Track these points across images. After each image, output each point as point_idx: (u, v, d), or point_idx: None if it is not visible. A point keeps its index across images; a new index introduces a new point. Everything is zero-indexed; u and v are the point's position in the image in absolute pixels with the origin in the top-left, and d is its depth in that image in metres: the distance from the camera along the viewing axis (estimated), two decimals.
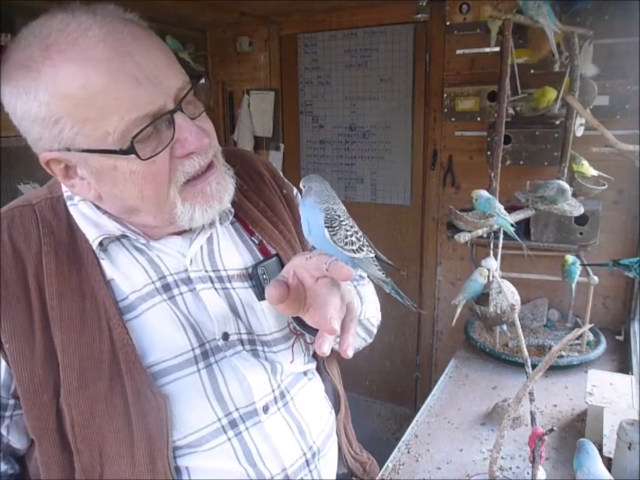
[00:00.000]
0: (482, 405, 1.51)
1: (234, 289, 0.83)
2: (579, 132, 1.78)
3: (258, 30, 2.68)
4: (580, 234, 1.89)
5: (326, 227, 0.69)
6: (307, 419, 0.86)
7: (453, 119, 2.18)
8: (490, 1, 1.92)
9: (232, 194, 0.80)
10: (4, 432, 0.74)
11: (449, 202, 2.30)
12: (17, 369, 0.69)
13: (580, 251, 1.90)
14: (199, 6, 2.25)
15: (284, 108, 2.80)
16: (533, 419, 0.99)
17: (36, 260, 0.72)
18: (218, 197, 0.76)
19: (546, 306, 2.06)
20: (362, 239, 0.72)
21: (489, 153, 2.02)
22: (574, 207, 1.61)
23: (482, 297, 1.63)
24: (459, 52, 2.19)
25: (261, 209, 0.91)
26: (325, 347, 0.64)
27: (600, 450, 1.11)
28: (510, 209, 1.56)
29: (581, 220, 1.86)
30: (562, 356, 1.67)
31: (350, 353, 0.66)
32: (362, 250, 0.71)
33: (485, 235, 1.53)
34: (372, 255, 0.73)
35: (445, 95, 2.15)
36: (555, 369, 1.65)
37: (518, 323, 1.09)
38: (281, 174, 1.01)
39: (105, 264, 0.75)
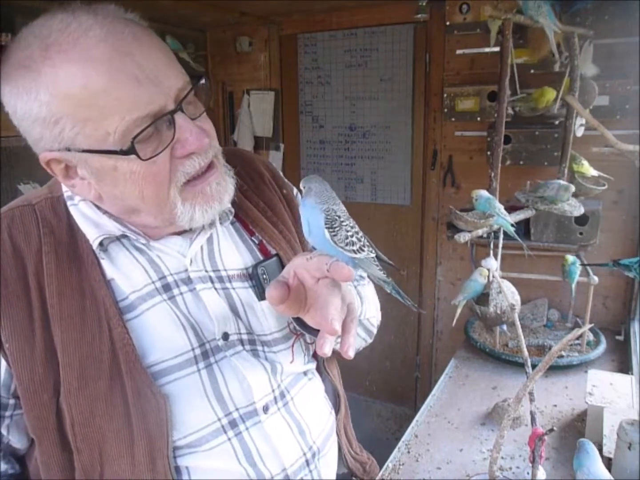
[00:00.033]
0: (482, 405, 1.51)
1: (234, 289, 0.83)
2: (580, 132, 1.78)
3: (258, 30, 2.68)
4: (580, 234, 1.89)
5: (327, 227, 0.69)
6: (307, 419, 0.86)
7: (453, 119, 2.18)
8: (490, 1, 1.92)
9: (232, 194, 0.80)
10: (4, 432, 0.74)
11: (449, 202, 2.30)
12: (17, 368, 0.69)
13: (580, 251, 1.90)
14: (199, 6, 2.25)
15: (284, 108, 2.80)
16: (533, 419, 0.99)
17: (36, 259, 0.72)
18: (218, 198, 0.76)
19: (546, 306, 2.06)
20: (362, 239, 0.72)
21: (489, 153, 2.02)
22: (574, 207, 1.61)
23: (482, 297, 1.63)
24: (459, 52, 2.19)
25: (261, 209, 0.91)
26: (326, 348, 0.64)
27: (600, 450, 1.11)
28: (510, 209, 1.56)
29: (581, 220, 1.86)
30: (562, 356, 1.67)
31: (351, 354, 0.66)
32: (363, 250, 0.72)
33: (485, 235, 1.53)
34: (373, 255, 0.73)
35: (445, 95, 2.15)
36: (555, 369, 1.65)
37: (518, 323, 1.09)
38: (281, 174, 1.01)
39: (105, 263, 0.76)
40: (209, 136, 0.73)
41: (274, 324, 0.84)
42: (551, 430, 0.93)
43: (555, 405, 1.49)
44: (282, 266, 0.86)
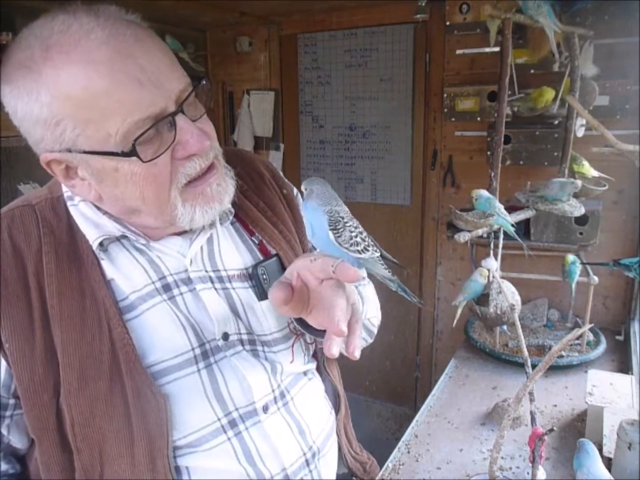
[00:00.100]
0: (482, 405, 1.51)
1: (234, 289, 0.83)
2: (580, 132, 1.78)
3: (258, 30, 2.68)
4: (581, 234, 1.89)
5: (330, 229, 0.69)
6: (307, 419, 0.86)
7: (453, 119, 2.18)
8: (490, 1, 1.92)
9: (232, 195, 0.80)
10: (4, 432, 0.74)
11: (449, 202, 2.30)
12: (17, 368, 0.69)
13: (580, 251, 1.90)
14: (199, 6, 2.25)
15: (284, 108, 2.80)
16: (533, 419, 0.99)
17: (36, 259, 0.72)
18: (218, 199, 0.76)
19: (546, 306, 2.06)
20: (367, 239, 0.72)
21: (489, 153, 2.02)
22: (574, 208, 1.60)
23: (482, 298, 1.63)
24: (458, 52, 2.19)
25: (261, 209, 0.91)
26: (334, 349, 0.64)
27: (600, 450, 1.11)
28: (510, 209, 1.55)
29: (581, 220, 1.86)
30: (562, 356, 1.67)
31: (357, 354, 0.66)
32: (368, 250, 0.71)
33: (485, 235, 1.53)
34: (378, 254, 0.73)
35: (445, 95, 2.15)
36: (555, 369, 1.65)
37: (518, 323, 1.09)
38: (281, 174, 1.01)
39: (105, 264, 0.76)
40: (210, 138, 0.73)
41: (274, 324, 0.84)
42: (551, 430, 0.93)
43: (555, 405, 1.49)
44: (282, 266, 0.86)
